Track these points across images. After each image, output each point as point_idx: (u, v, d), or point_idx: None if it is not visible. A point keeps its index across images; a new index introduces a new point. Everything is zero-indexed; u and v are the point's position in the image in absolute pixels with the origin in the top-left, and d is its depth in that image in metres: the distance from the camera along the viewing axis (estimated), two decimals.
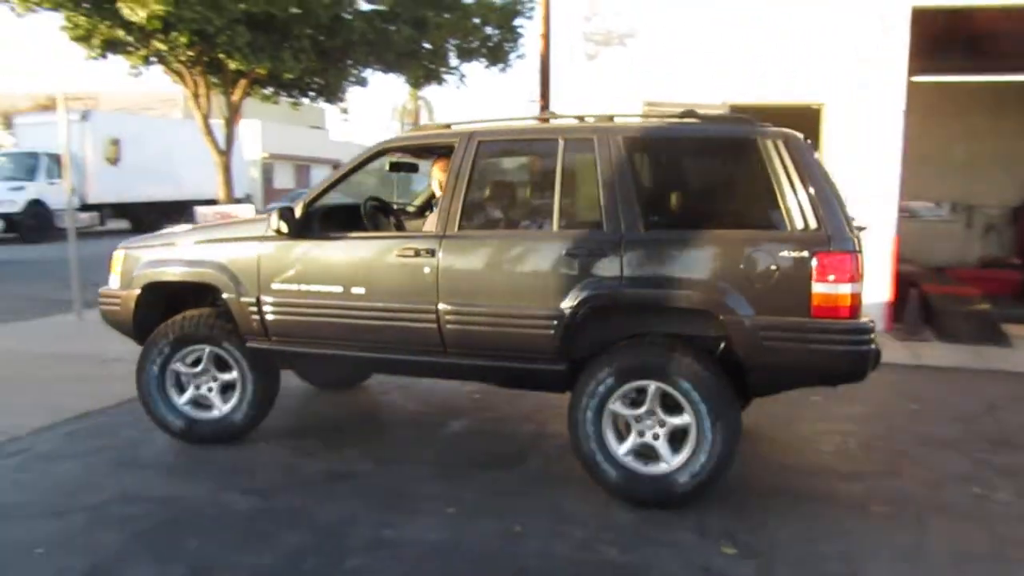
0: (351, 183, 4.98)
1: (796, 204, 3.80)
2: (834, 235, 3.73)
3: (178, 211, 26.51)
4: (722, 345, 3.99)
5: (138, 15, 9.71)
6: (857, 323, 3.76)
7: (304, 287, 4.62)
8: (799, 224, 3.79)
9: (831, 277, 3.68)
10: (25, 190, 22.07)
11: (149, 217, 26.56)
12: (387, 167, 5.63)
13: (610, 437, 4.09)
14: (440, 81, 15.45)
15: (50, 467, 4.72)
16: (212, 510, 4.09)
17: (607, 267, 3.99)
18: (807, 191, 3.79)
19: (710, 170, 4.40)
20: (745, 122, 4.13)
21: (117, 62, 12.51)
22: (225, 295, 4.83)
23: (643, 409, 4.01)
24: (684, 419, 3.94)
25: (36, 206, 22.00)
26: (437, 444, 5.19)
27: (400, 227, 5.32)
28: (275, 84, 13.51)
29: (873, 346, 3.83)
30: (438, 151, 5.06)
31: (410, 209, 5.80)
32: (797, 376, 4.01)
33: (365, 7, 12.60)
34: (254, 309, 4.74)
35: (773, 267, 3.77)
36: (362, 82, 14.39)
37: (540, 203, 4.50)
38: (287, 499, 4.24)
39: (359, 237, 4.67)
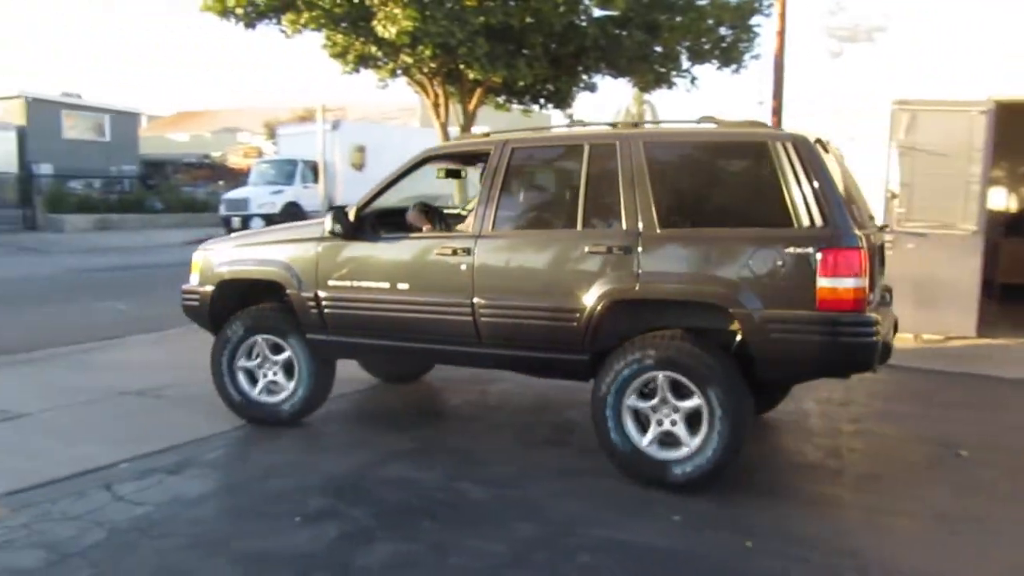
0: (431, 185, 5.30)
1: (803, 203, 3.99)
2: (839, 232, 3.92)
3: None
4: (738, 338, 4.16)
5: (389, 31, 10.51)
6: (861, 315, 3.92)
7: (356, 283, 5.07)
8: (806, 222, 3.98)
9: (835, 272, 3.87)
10: (283, 193, 24.67)
11: (392, 219, 28.62)
12: (440, 174, 5.99)
13: (630, 425, 4.35)
14: (670, 85, 15.33)
15: (303, 445, 5.24)
16: (445, 496, 4.36)
17: (625, 264, 4.29)
18: (813, 190, 3.98)
19: (724, 172, 4.55)
20: (758, 126, 4.42)
21: (366, 76, 13.57)
22: (288, 291, 5.27)
23: (656, 399, 4.27)
24: (695, 402, 4.18)
25: (292, 208, 24.51)
26: None
27: (448, 229, 5.56)
28: (508, 92, 14.05)
29: (876, 339, 3.96)
30: (481, 158, 5.17)
31: (464, 213, 6.04)
32: (805, 367, 4.19)
33: (598, 13, 12.79)
34: (313, 304, 5.18)
35: (780, 263, 3.98)
36: (592, 88, 14.61)
37: (567, 204, 4.72)
38: (519, 491, 4.42)
39: (404, 237, 5.13)
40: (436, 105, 13.04)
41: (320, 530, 3.91)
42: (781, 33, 12.87)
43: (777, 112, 12.71)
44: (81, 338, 8.47)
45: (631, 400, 4.33)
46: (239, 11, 11.27)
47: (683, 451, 4.24)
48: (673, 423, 4.27)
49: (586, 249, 4.40)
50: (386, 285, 4.98)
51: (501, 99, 14.67)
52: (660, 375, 4.23)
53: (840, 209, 3.99)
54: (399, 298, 4.93)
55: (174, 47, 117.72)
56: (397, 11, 10.42)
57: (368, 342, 5.17)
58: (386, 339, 5.07)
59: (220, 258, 5.67)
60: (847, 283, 3.90)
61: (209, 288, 5.64)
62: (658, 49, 14.21)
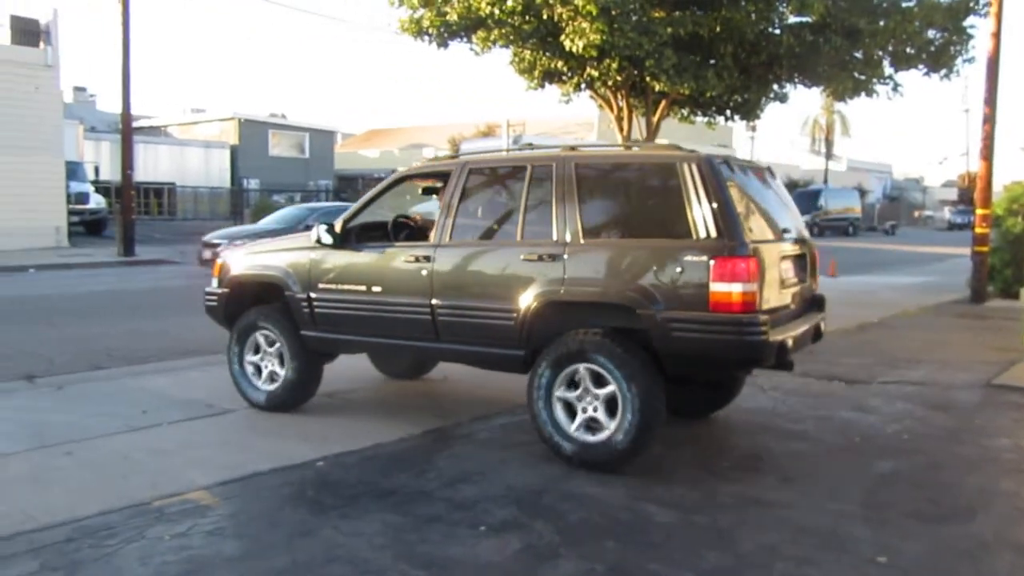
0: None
1: (702, 217, 4.52)
2: (731, 243, 4.43)
3: None
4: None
5: (577, 45, 10.58)
6: (746, 316, 4.40)
7: (339, 286, 5.80)
8: (703, 234, 4.51)
9: (726, 277, 4.38)
10: None
11: None
12: (421, 191, 6.51)
13: (559, 413, 4.92)
14: (870, 92, 14.41)
15: (485, 454, 5.31)
16: (628, 516, 4.25)
17: (553, 271, 4.90)
18: (712, 206, 4.50)
19: (640, 189, 5.01)
20: (672, 148, 5.02)
21: (548, 91, 13.74)
22: (286, 292, 6.02)
23: (580, 390, 4.86)
24: (611, 388, 4.72)
25: None
26: (864, 483, 4.80)
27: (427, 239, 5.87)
28: (694, 104, 13.76)
29: (763, 337, 4.42)
30: (446, 177, 5.71)
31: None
32: (702, 362, 4.72)
33: (793, 19, 12.25)
34: (305, 304, 5.91)
35: (680, 269, 4.54)
36: (783, 98, 14.01)
37: (511, 218, 5.27)
38: (706, 517, 4.25)
39: (379, 247, 5.77)
40: (619, 118, 12.99)
41: (503, 541, 3.92)
42: (996, 35, 11.80)
43: (990, 120, 11.66)
44: None
45: (560, 391, 4.92)
46: (432, 31, 11.75)
47: (604, 434, 4.78)
48: (595, 409, 4.83)
49: (522, 257, 5.05)
50: (363, 288, 5.69)
51: (686, 111, 14.39)
52: (581, 367, 4.81)
53: (734, 222, 4.51)
54: (374, 299, 5.65)
55: (368, 68, 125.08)
56: (585, 25, 10.47)
57: (349, 338, 5.88)
58: (363, 335, 5.80)
59: (234, 264, 6.47)
60: (736, 287, 4.42)
61: (225, 290, 6.44)
62: (858, 55, 13.40)
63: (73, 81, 53.34)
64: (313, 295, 5.90)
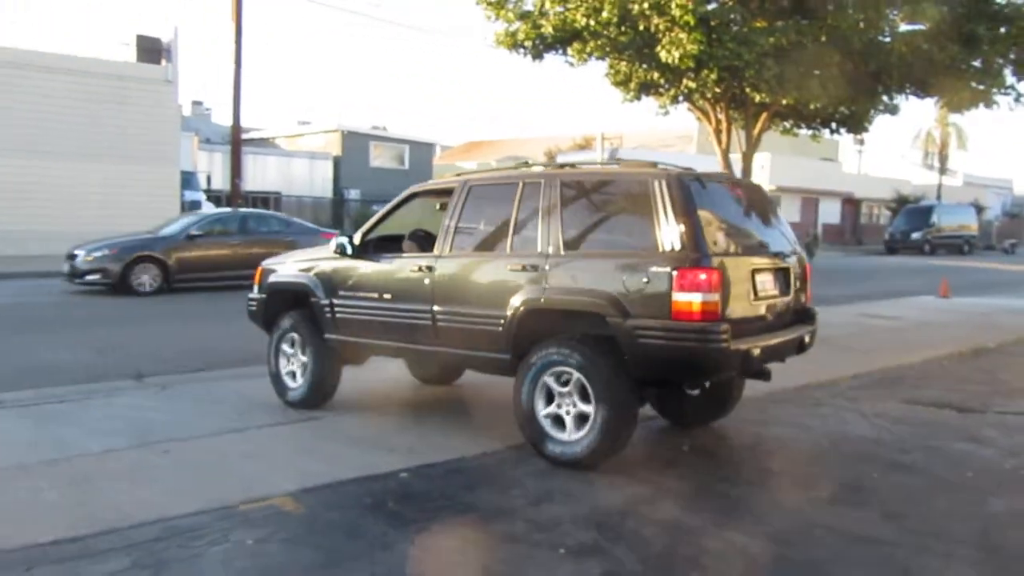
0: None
1: (668, 230, 4.75)
2: (693, 255, 4.64)
3: None
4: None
5: (673, 56, 10.36)
6: (706, 324, 4.59)
7: (356, 293, 6.21)
8: (668, 246, 4.74)
9: (687, 288, 4.59)
10: None
11: None
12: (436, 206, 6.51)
13: (540, 408, 5.21)
14: (989, 104, 13.58)
15: (571, 473, 5.18)
16: (716, 546, 4.05)
17: (537, 281, 5.21)
18: (677, 220, 4.73)
19: (616, 205, 5.27)
20: (647, 166, 5.27)
21: (645, 104, 13.50)
22: (311, 299, 6.45)
23: (558, 392, 5.15)
24: (584, 391, 5.00)
25: None
26: (977, 523, 4.44)
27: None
28: (796, 116, 13.28)
29: (724, 345, 4.60)
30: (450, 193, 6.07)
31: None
32: (665, 368, 4.89)
33: (904, 27, 11.67)
34: (328, 309, 6.33)
35: (646, 280, 4.75)
36: (893, 110, 13.34)
37: (504, 231, 5.55)
38: (800, 552, 4.00)
39: (390, 257, 6.16)
40: (718, 131, 12.64)
41: (582, 567, 3.79)
42: None
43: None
44: None
45: (541, 394, 5.20)
46: (528, 44, 11.73)
47: (580, 434, 5.06)
48: (571, 410, 5.11)
49: (509, 268, 5.39)
50: (376, 295, 6.09)
51: (788, 123, 13.90)
52: (558, 371, 5.11)
53: (697, 236, 4.74)
54: (385, 306, 6.04)
55: (466, 81, 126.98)
56: (683, 36, 10.24)
57: (365, 341, 6.25)
58: (376, 339, 6.17)
59: (271, 273, 6.98)
60: (697, 297, 4.62)
61: (263, 296, 6.97)
62: (976, 64, 12.64)
63: (192, 95, 56.17)
64: (335, 301, 6.33)
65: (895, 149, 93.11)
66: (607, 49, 11.37)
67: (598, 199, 5.37)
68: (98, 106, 22.17)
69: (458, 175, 6.22)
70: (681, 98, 12.71)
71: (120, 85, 22.64)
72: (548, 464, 5.26)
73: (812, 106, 12.12)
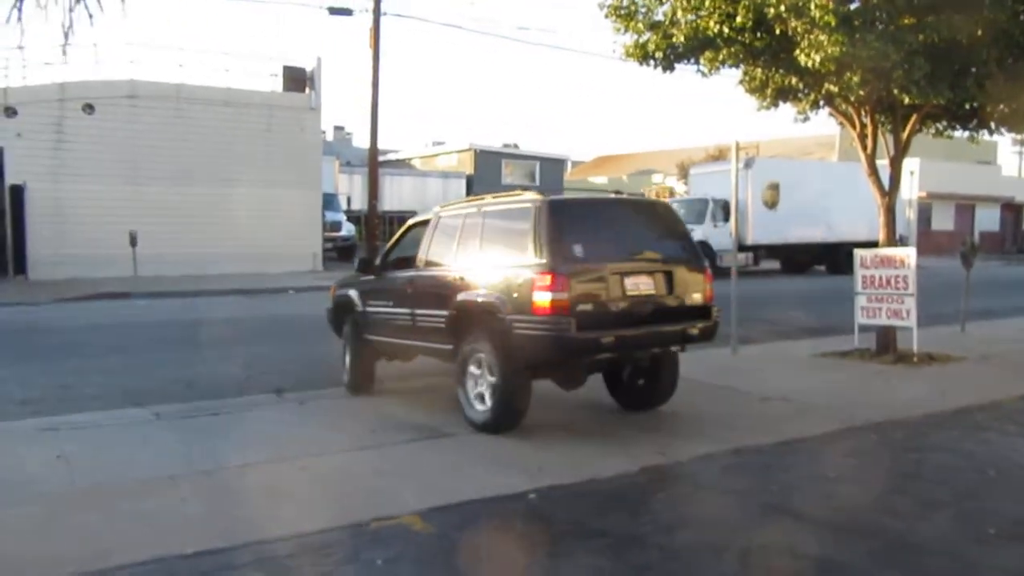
0: None
1: (538, 245, 6.05)
2: (550, 263, 5.92)
3: (829, 253, 26.53)
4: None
5: (813, 59, 9.81)
6: (556, 317, 5.82)
7: (375, 302, 7.98)
8: (535, 258, 6.02)
9: (543, 288, 5.87)
10: (694, 232, 24.63)
11: (799, 258, 27.24)
12: None
13: (469, 391, 6.52)
14: None
15: (706, 499, 4.92)
16: None
17: (465, 287, 6.60)
18: (544, 236, 6.03)
19: (515, 227, 6.41)
20: (538, 192, 6.59)
21: (782, 111, 12.89)
22: (356, 308, 8.27)
23: (478, 373, 6.46)
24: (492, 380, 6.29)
25: (702, 247, 24.41)
26: None
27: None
28: (950, 117, 12.29)
29: (569, 334, 5.79)
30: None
31: None
32: (531, 353, 6.05)
33: None
34: (362, 316, 8.15)
35: (520, 283, 6.05)
36: None
37: (452, 250, 7.04)
38: None
39: (393, 274, 7.84)
40: (862, 136, 11.85)
41: None
42: None
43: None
44: None
45: (468, 374, 6.51)
46: (659, 54, 11.41)
47: (487, 406, 6.35)
48: (483, 387, 6.39)
49: (451, 278, 6.84)
50: (387, 303, 7.74)
51: (941, 125, 12.90)
52: (475, 356, 6.44)
53: (555, 248, 5.96)
54: (390, 311, 7.68)
55: (596, 95, 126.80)
56: (823, 37, 9.66)
57: (382, 339, 7.87)
58: (387, 338, 7.79)
59: (339, 289, 8.83)
60: (548, 296, 5.82)
61: (331, 306, 8.90)
62: None
63: (334, 121, 58.83)
64: (368, 309, 8.09)
65: None
66: (741, 56, 10.91)
67: (504, 223, 6.63)
68: (249, 134, 23.50)
69: (443, 207, 7.76)
70: (822, 103, 12.01)
71: (268, 114, 23.91)
72: (681, 488, 5.03)
73: (968, 106, 11.18)
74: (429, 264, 7.30)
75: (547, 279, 5.85)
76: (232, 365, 9.62)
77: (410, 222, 8.20)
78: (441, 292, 6.85)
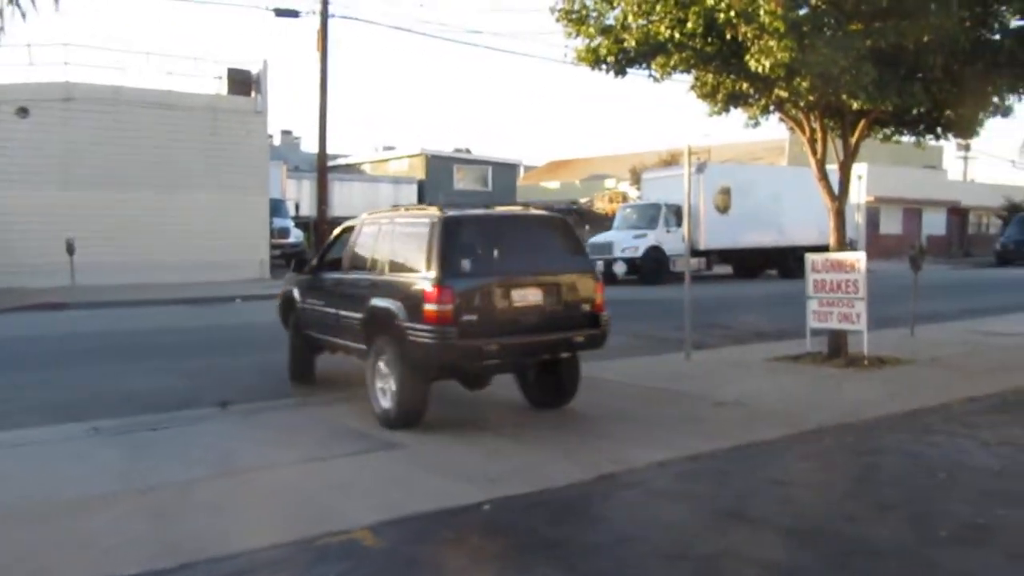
0: None
1: (431, 260, 6.64)
2: (439, 276, 6.49)
3: (780, 258, 27.05)
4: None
5: (763, 65, 9.98)
6: (441, 326, 6.38)
7: (311, 300, 8.71)
8: (428, 272, 6.62)
9: (431, 300, 6.45)
10: (646, 237, 24.98)
11: (751, 263, 27.70)
12: None
13: (378, 386, 7.07)
14: None
15: (663, 507, 4.94)
16: None
17: (372, 294, 7.26)
18: (437, 251, 6.62)
19: (417, 239, 6.98)
20: (438, 210, 7.08)
21: (732, 116, 13.04)
22: (296, 303, 9.03)
23: (385, 372, 7.01)
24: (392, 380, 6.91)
25: (654, 252, 24.73)
26: None
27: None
28: (897, 122, 12.61)
29: (450, 341, 6.36)
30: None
31: None
32: (423, 357, 6.59)
33: (1016, 23, 10.97)
34: (301, 310, 8.91)
35: (414, 293, 6.66)
36: (1006, 111, 12.51)
37: (367, 257, 7.77)
38: None
39: (323, 274, 8.63)
40: (812, 141, 12.09)
41: None
42: None
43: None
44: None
45: (377, 372, 7.07)
46: (610, 59, 11.50)
47: (389, 403, 6.93)
48: (388, 386, 6.96)
49: (362, 283, 7.56)
50: (317, 300, 8.50)
51: (889, 130, 13.24)
52: (382, 356, 7.03)
53: (445, 263, 6.55)
54: (321, 309, 8.38)
55: (548, 100, 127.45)
56: (772, 43, 9.84)
57: (315, 335, 8.62)
58: (319, 333, 8.52)
59: (284, 284, 9.64)
60: (435, 307, 6.41)
61: (279, 300, 9.67)
62: None
63: (282, 125, 57.98)
64: (305, 305, 8.81)
65: (1005, 155, 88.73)
66: (692, 61, 11.04)
67: (408, 237, 7.20)
68: (192, 138, 23.08)
69: (371, 214, 8.43)
70: (772, 108, 12.22)
71: (212, 117, 23.53)
72: (636, 496, 5.05)
73: (915, 111, 11.49)
74: (351, 268, 8.03)
75: (434, 292, 6.46)
76: (175, 377, 9.41)
77: (341, 226, 8.94)
78: (357, 295, 7.53)
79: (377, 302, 7.09)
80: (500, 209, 8.08)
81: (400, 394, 6.73)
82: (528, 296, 6.83)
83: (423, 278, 6.60)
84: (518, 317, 6.76)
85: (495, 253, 6.85)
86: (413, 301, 6.62)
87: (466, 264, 6.65)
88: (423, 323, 6.46)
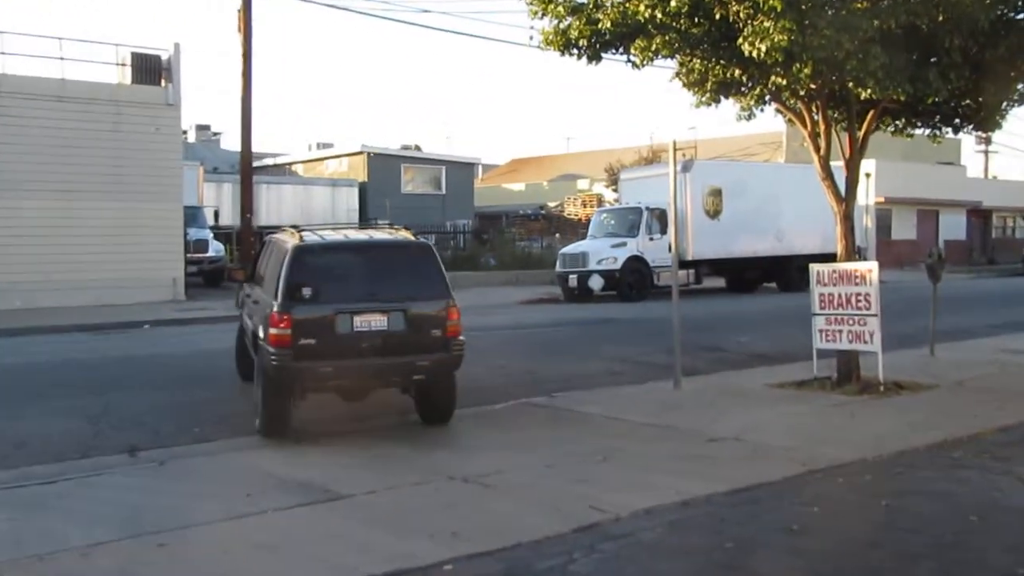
0: None
1: (279, 286, 8.16)
2: (279, 302, 8.00)
3: (780, 268, 27.29)
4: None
5: (758, 49, 10.10)
6: (279, 349, 7.89)
7: (241, 307, 10.68)
8: (276, 295, 8.14)
9: (271, 324, 7.97)
10: (626, 247, 24.98)
11: (747, 274, 27.95)
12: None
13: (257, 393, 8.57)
14: None
15: (652, 564, 4.93)
16: None
17: (251, 312, 9.39)
18: (283, 277, 8.14)
19: (278, 266, 8.58)
20: (296, 236, 8.80)
21: (723, 107, 13.16)
22: (238, 309, 11.14)
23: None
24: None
25: (636, 263, 24.74)
26: None
27: None
28: (910, 112, 12.86)
29: (281, 363, 7.88)
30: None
31: None
32: (271, 376, 8.13)
33: None
34: (240, 314, 10.84)
35: (265, 316, 8.26)
36: None
37: (269, 275, 8.92)
38: None
39: (247, 285, 10.37)
40: (814, 135, 12.27)
41: None
42: None
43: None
44: (408, 411, 9.04)
45: (258, 389, 8.46)
46: (583, 42, 11.57)
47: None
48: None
49: (255, 299, 9.26)
50: (243, 308, 10.41)
51: (900, 122, 13.47)
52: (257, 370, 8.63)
53: (286, 290, 8.02)
54: (242, 317, 10.32)
55: (511, 90, 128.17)
56: (768, 24, 9.97)
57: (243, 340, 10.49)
58: (243, 338, 10.44)
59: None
60: (274, 331, 7.89)
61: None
62: None
63: (196, 119, 57.54)
64: (243, 310, 10.47)
65: None
66: (677, 45, 11.14)
67: (278, 258, 8.61)
68: (91, 135, 22.70)
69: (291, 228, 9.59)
70: (768, 98, 12.38)
71: (115, 111, 23.22)
72: (624, 549, 5.05)
73: (930, 100, 11.72)
74: (255, 283, 9.74)
75: (276, 317, 7.94)
76: (74, 419, 9.22)
77: (267, 239, 10.34)
78: (252, 311, 9.29)
79: (253, 319, 9.00)
80: (361, 234, 10.45)
81: (261, 406, 8.31)
82: (372, 322, 8.13)
83: (272, 303, 8.12)
84: (359, 342, 8.10)
85: (343, 280, 8.39)
86: (265, 323, 8.16)
87: (307, 292, 8.07)
88: (268, 344, 7.98)
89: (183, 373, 12.31)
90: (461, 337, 8.43)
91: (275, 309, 7.97)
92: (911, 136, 14.35)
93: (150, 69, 24.53)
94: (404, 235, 9.30)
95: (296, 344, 7.85)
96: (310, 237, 8.81)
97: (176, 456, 7.58)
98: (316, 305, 8.06)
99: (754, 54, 10.19)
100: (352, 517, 5.78)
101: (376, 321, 8.13)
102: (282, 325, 7.89)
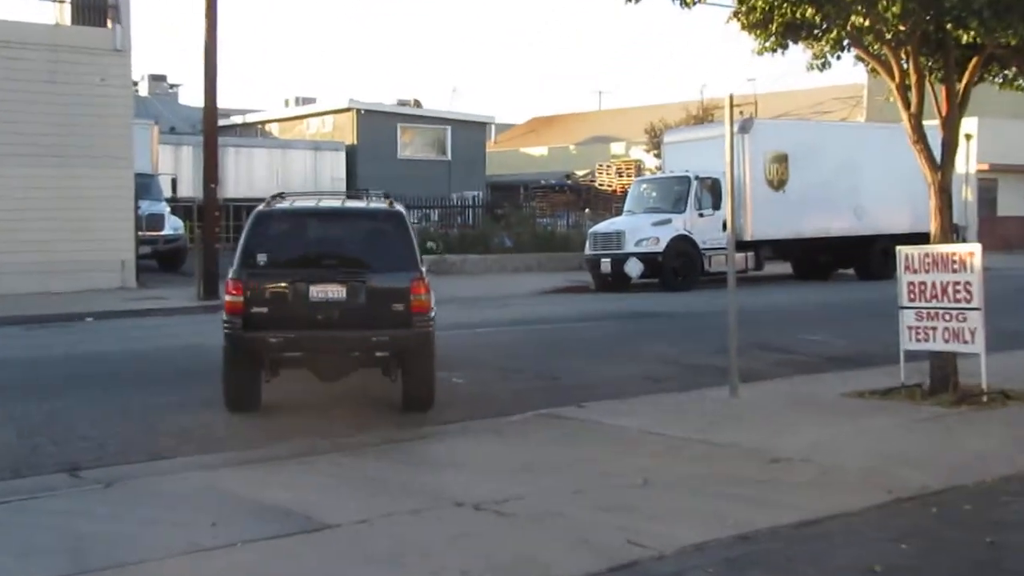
0: None
1: (237, 251, 9.57)
2: (234, 269, 9.34)
3: (859, 251, 27.06)
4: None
5: None
6: (230, 317, 9.22)
7: None
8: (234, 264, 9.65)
9: (228, 292, 9.37)
10: (671, 224, 24.78)
11: (818, 258, 27.77)
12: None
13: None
14: None
15: None
16: None
17: None
18: (240, 245, 9.57)
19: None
20: (277, 200, 10.36)
21: (790, 54, 13.08)
22: None
23: None
24: None
25: (682, 244, 24.54)
26: None
27: None
28: (1022, 61, 12.79)
29: (238, 332, 9.23)
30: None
31: None
32: (226, 349, 9.55)
33: None
34: None
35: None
36: None
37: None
38: None
39: None
40: (903, 88, 12.19)
41: None
42: None
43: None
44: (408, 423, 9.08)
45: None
46: None
47: None
48: None
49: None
50: None
51: (1010, 72, 13.37)
52: None
53: (242, 256, 9.34)
54: None
55: (531, 36, 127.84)
56: None
57: None
58: None
59: None
60: (228, 298, 9.28)
61: None
62: None
63: (150, 68, 57.90)
64: None
65: None
66: None
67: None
68: (21, 86, 22.77)
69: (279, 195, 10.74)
70: (847, 42, 12.35)
71: (51, 57, 23.28)
72: None
73: None
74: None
75: (228, 283, 9.31)
76: (5, 431, 9.30)
77: (255, 216, 10.53)
78: None
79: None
80: (333, 201, 11.66)
81: (223, 380, 9.58)
82: (329, 292, 9.24)
83: (229, 270, 9.43)
84: (315, 313, 9.27)
85: (303, 248, 9.73)
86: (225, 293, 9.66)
87: (262, 258, 9.27)
88: (224, 312, 9.35)
89: (134, 375, 12.38)
90: (431, 313, 9.45)
91: (231, 275, 9.26)
92: (1022, 89, 14.28)
93: (94, 7, 24.63)
94: (378, 204, 10.42)
95: (247, 312, 9.11)
96: (278, 204, 10.03)
97: (127, 476, 7.62)
98: (271, 273, 9.29)
99: None
100: (338, 552, 5.80)
101: (333, 291, 9.25)
102: (234, 292, 9.14)
